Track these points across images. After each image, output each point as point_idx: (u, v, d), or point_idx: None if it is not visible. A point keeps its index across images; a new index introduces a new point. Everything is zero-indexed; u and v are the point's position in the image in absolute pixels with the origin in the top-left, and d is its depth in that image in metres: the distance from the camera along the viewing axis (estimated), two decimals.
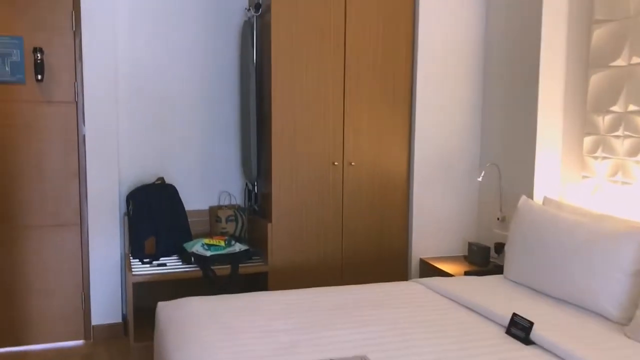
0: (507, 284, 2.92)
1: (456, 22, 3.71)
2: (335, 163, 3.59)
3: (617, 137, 3.00)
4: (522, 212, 2.99)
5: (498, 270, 3.34)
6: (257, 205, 3.79)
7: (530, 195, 3.33)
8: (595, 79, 3.14)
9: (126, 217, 3.71)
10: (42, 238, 3.60)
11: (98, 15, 3.56)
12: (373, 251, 3.73)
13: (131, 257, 3.63)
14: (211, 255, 3.52)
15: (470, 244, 3.60)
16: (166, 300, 3.91)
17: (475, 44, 3.76)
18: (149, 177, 3.88)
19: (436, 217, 3.80)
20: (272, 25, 3.40)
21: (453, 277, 3.04)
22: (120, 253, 3.77)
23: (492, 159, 3.70)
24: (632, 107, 2.90)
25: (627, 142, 2.94)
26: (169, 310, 2.57)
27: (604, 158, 3.08)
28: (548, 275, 2.71)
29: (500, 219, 3.59)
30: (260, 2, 3.62)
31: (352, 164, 3.63)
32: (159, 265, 3.53)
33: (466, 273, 3.37)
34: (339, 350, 2.11)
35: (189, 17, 3.86)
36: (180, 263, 3.56)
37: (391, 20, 3.62)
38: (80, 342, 3.72)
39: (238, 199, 4.08)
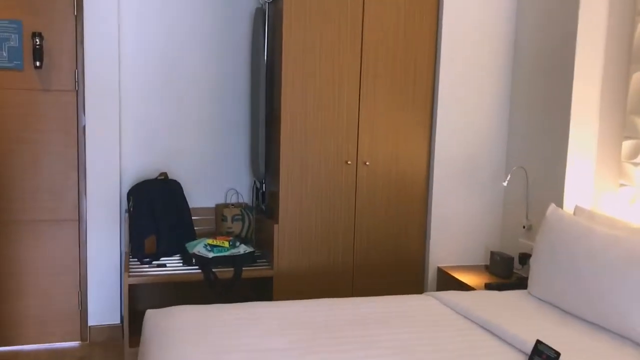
0: (531, 302, 2.64)
1: (484, 13, 3.43)
2: (349, 162, 3.34)
3: None
4: (551, 221, 2.71)
5: (522, 283, 3.07)
6: (264, 205, 3.57)
7: (559, 203, 3.04)
8: (637, 77, 2.83)
9: (127, 214, 3.51)
10: (37, 234, 3.43)
11: (101, 1, 3.36)
12: (387, 258, 3.47)
13: (130, 257, 3.44)
14: (213, 257, 3.31)
15: (492, 253, 3.33)
16: (164, 303, 3.75)
17: (504, 37, 3.47)
18: (153, 172, 3.67)
19: (456, 223, 3.53)
20: (284, 13, 3.16)
21: (471, 292, 2.77)
22: (120, 252, 3.58)
23: (519, 162, 3.41)
24: None
25: None
26: (157, 319, 2.36)
27: None
28: (578, 295, 2.42)
29: (526, 227, 3.30)
30: None
31: (367, 163, 3.38)
32: (158, 265, 3.33)
33: (487, 285, 3.10)
34: None
35: (199, 4, 3.64)
36: (182, 264, 3.36)
37: (413, 10, 3.35)
38: (75, 343, 3.55)
39: (246, 197, 3.85)
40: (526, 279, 3.06)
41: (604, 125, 3.01)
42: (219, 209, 3.73)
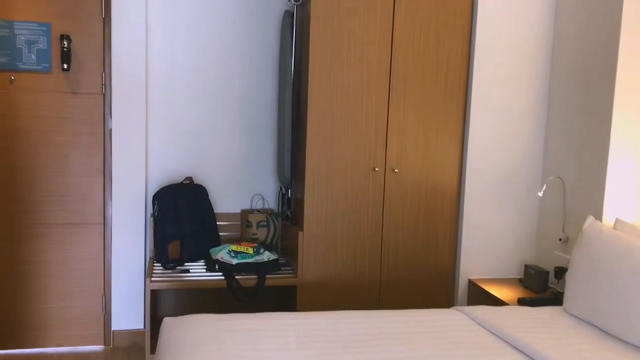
0: (567, 319, 2.49)
1: (520, 14, 3.28)
2: (376, 169, 3.24)
3: None
4: (589, 235, 2.55)
5: (557, 299, 2.91)
6: (289, 211, 3.48)
7: (598, 216, 2.87)
8: None
9: (152, 219, 3.48)
10: (63, 237, 3.42)
11: (129, 3, 3.34)
12: (416, 269, 3.35)
13: (155, 261, 3.40)
14: (237, 264, 3.24)
15: (526, 267, 3.18)
16: (188, 309, 3.70)
17: (541, 39, 3.32)
18: (178, 177, 3.63)
19: (489, 234, 3.38)
20: (312, 15, 3.08)
21: (502, 307, 2.63)
22: (145, 256, 3.55)
23: (556, 171, 3.24)
24: None
25: None
26: (172, 328, 2.30)
27: None
28: (618, 314, 2.26)
29: (562, 240, 3.14)
30: None
31: (396, 170, 3.26)
32: (182, 271, 3.28)
33: (520, 300, 2.95)
34: None
35: (227, 5, 3.59)
36: (205, 270, 3.30)
37: (446, 11, 3.23)
38: (99, 347, 3.53)
39: (272, 203, 3.78)
40: (562, 294, 2.90)
41: None
42: (244, 215, 3.66)
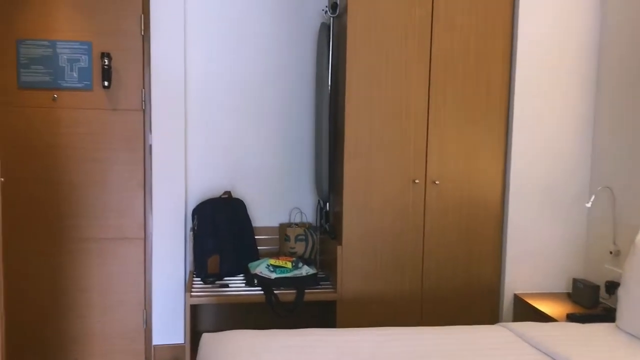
0: (620, 337, 2.36)
1: (564, 19, 3.18)
2: (416, 181, 3.17)
3: None
4: None
5: (609, 315, 2.78)
6: (327, 225, 3.44)
7: None
8: None
9: (192, 233, 3.49)
10: (104, 251, 3.46)
11: (168, 20, 3.38)
12: (459, 284, 3.25)
13: (194, 276, 3.40)
14: (276, 278, 3.21)
15: (575, 281, 3.06)
16: (227, 323, 3.69)
17: (587, 45, 3.21)
18: (218, 191, 3.64)
19: (535, 248, 3.26)
20: (349, 26, 3.06)
21: (551, 324, 2.52)
22: (185, 270, 3.55)
23: (605, 181, 3.11)
24: None
25: None
26: (211, 344, 2.28)
27: None
28: None
29: (613, 252, 3.00)
30: (337, 1, 3.29)
31: (436, 182, 3.19)
32: (221, 285, 3.27)
33: (569, 316, 2.83)
34: None
35: (264, 22, 3.60)
36: (244, 284, 3.29)
37: (486, 19, 3.15)
38: None
39: (310, 216, 3.74)
40: (614, 310, 2.77)
41: None
42: (282, 229, 3.64)
